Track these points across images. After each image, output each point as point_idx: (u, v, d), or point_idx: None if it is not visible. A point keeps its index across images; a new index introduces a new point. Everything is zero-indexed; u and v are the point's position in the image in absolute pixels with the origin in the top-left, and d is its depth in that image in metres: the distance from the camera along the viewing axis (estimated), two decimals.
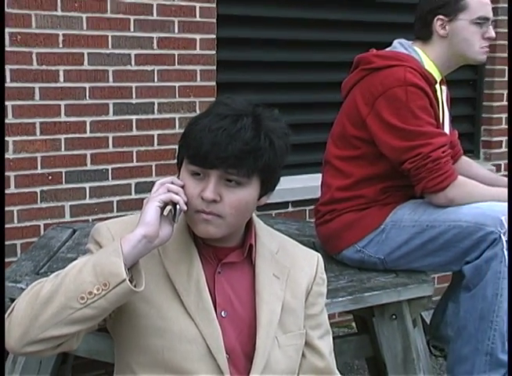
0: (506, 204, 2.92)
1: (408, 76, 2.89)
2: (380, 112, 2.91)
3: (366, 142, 2.98)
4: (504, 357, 2.92)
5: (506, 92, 5.06)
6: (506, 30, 4.96)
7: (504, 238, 2.84)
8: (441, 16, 3.05)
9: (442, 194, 2.91)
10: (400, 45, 3.11)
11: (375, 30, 4.54)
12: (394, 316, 2.89)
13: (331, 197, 3.08)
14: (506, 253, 2.84)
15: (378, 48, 3.13)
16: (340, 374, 2.05)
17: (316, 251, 2.12)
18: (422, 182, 2.90)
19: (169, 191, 1.73)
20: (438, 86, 3.08)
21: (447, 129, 3.17)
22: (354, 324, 3.79)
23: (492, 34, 3.09)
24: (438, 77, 3.08)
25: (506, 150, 5.13)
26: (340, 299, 2.73)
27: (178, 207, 1.75)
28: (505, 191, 3.07)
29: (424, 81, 2.94)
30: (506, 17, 4.95)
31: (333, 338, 2.09)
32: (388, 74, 2.93)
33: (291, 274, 1.94)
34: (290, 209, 4.28)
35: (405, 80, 2.89)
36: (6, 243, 3.45)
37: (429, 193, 2.93)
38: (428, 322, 3.51)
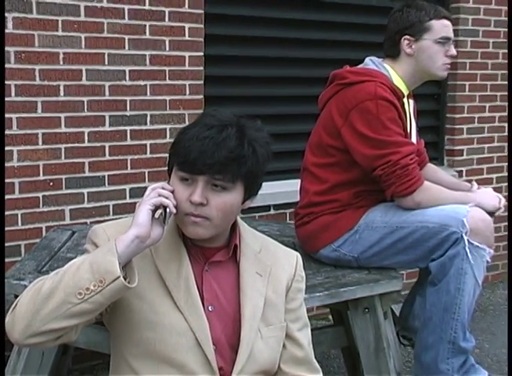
0: (467, 206, 2.93)
1: (378, 90, 2.90)
2: (354, 123, 2.90)
3: (341, 151, 2.98)
4: (464, 345, 2.96)
5: (467, 105, 5.08)
6: (467, 50, 5.00)
7: (466, 237, 2.85)
8: (407, 37, 3.06)
9: (410, 198, 2.92)
10: (371, 62, 3.12)
11: (348, 49, 4.54)
12: (366, 309, 2.89)
13: (309, 200, 3.08)
14: (468, 251, 2.86)
15: (351, 65, 3.13)
16: (318, 362, 2.04)
17: (296, 250, 2.12)
18: (392, 187, 2.90)
19: (160, 195, 1.73)
20: (405, 100, 3.08)
21: (414, 139, 3.17)
22: (330, 317, 3.79)
23: (454, 51, 3.11)
24: (405, 91, 3.09)
25: (467, 157, 5.15)
26: (318, 294, 2.73)
27: (168, 210, 1.74)
28: (467, 195, 3.10)
29: (393, 95, 2.95)
30: (465, 38, 4.99)
31: (312, 330, 2.08)
32: (360, 89, 2.93)
33: (273, 272, 1.93)
34: (272, 212, 4.27)
35: (375, 94, 2.89)
36: (11, 244, 3.45)
37: (398, 196, 2.93)
38: (398, 314, 3.51)
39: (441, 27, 3.06)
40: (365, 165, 2.92)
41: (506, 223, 5.45)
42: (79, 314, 1.65)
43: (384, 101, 2.89)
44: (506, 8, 5.17)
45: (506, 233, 5.46)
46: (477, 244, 2.87)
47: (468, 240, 2.86)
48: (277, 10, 4.31)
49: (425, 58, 3.07)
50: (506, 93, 5.29)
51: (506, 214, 5.39)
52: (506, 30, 5.21)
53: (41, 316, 1.63)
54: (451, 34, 3.10)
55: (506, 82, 5.29)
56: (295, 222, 3.20)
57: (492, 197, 3.11)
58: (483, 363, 3.86)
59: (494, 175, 5.34)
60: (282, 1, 4.31)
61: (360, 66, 3.15)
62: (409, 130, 3.10)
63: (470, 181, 3.49)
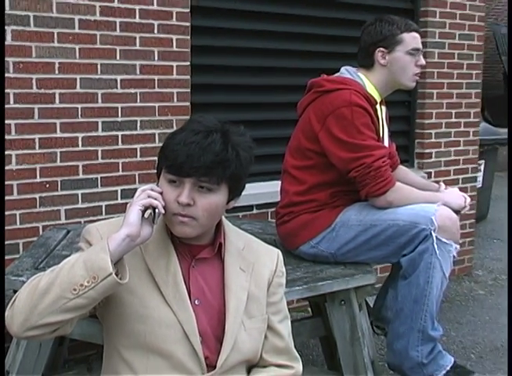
0: (435, 205, 2.95)
1: (353, 98, 2.90)
2: (330, 128, 2.91)
3: (318, 154, 2.98)
4: (433, 333, 2.98)
5: (435, 112, 5.10)
6: (434, 60, 5.03)
7: (434, 234, 2.86)
8: (381, 48, 3.07)
9: (383, 197, 2.92)
10: (346, 72, 3.13)
11: (324, 59, 4.54)
12: (343, 302, 2.89)
13: (289, 200, 3.08)
14: (436, 247, 2.87)
15: (328, 74, 3.14)
16: (298, 351, 2.04)
17: (277, 247, 2.12)
18: (366, 188, 2.90)
19: (149, 197, 1.73)
20: (378, 106, 3.09)
21: (386, 143, 3.18)
22: (309, 309, 3.78)
23: (423, 61, 3.13)
24: (378, 98, 3.09)
25: (436, 159, 5.17)
26: (298, 288, 2.73)
27: (157, 210, 1.75)
28: (435, 194, 3.12)
29: (367, 102, 2.96)
30: (433, 49, 5.02)
31: (292, 321, 2.08)
32: (337, 96, 2.94)
33: (255, 268, 1.93)
34: (255, 211, 4.26)
35: (350, 101, 2.89)
36: (10, 242, 3.42)
37: (372, 196, 2.94)
38: (372, 306, 3.51)
39: (412, 39, 3.08)
40: (340, 168, 2.92)
41: (473, 221, 5.48)
42: (74, 308, 1.64)
43: (359, 107, 2.90)
44: (468, 22, 5.21)
45: (472, 229, 5.50)
46: (445, 241, 2.89)
47: (436, 237, 2.87)
48: (259, 23, 4.31)
49: (397, 68, 3.08)
50: (471, 100, 5.33)
51: (474, 212, 5.44)
52: (470, 42, 5.25)
53: (38, 311, 1.63)
54: (420, 45, 3.12)
55: (471, 90, 5.32)
56: (276, 220, 3.19)
57: (458, 197, 3.12)
58: (450, 349, 3.89)
59: (460, 176, 5.37)
60: (262, 14, 4.30)
61: (336, 75, 3.15)
62: (381, 134, 3.10)
63: (438, 182, 3.50)
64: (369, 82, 3.09)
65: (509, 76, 4.92)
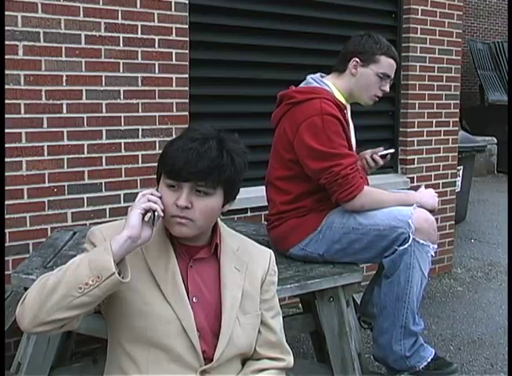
0: (411, 208, 2.92)
1: (323, 106, 2.87)
2: (302, 136, 2.87)
3: (297, 164, 2.94)
4: (414, 328, 2.98)
5: (417, 121, 5.11)
6: (416, 73, 5.04)
7: (412, 236, 2.85)
8: (357, 59, 3.05)
9: (352, 203, 2.89)
10: (312, 80, 3.10)
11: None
12: (331, 299, 2.88)
13: (277, 210, 3.05)
14: (414, 248, 2.86)
15: (295, 85, 3.12)
16: (289, 345, 2.03)
17: (269, 248, 2.10)
18: (335, 194, 2.88)
19: (149, 201, 1.72)
20: (347, 110, 3.07)
21: (354, 142, 3.12)
22: (300, 305, 3.77)
23: (387, 89, 3.10)
24: (345, 103, 3.07)
25: (418, 165, 5.17)
26: (289, 286, 2.72)
27: (156, 213, 1.74)
28: (407, 195, 3.08)
29: (337, 108, 2.92)
30: (415, 63, 5.02)
31: (284, 317, 2.08)
32: (308, 106, 2.90)
33: (249, 267, 1.93)
34: (249, 214, 4.25)
35: (321, 110, 2.86)
36: (21, 243, 3.42)
37: (341, 202, 2.91)
38: (359, 302, 3.51)
39: (387, 64, 3.05)
40: (312, 176, 2.90)
41: (452, 222, 5.48)
42: (80, 306, 1.64)
43: (329, 116, 2.86)
44: (447, 38, 5.23)
45: (452, 230, 5.49)
46: (423, 242, 2.88)
47: (414, 239, 2.86)
48: (251, 38, 4.31)
49: (363, 83, 3.06)
50: (450, 110, 5.34)
51: (453, 214, 5.44)
52: (448, 56, 5.26)
53: (47, 308, 1.63)
54: (391, 73, 3.08)
55: (450, 101, 5.33)
56: (267, 225, 3.16)
57: (430, 197, 3.08)
58: (430, 342, 3.89)
59: (440, 181, 5.36)
60: (253, 29, 4.32)
61: (303, 84, 3.12)
62: (350, 134, 3.07)
63: (419, 186, 3.48)
64: (336, 88, 3.07)
65: (509, 76, 4.89)
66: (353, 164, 2.88)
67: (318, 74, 3.15)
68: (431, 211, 2.99)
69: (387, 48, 3.05)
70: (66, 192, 3.53)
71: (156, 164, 1.83)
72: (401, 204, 2.96)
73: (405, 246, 2.87)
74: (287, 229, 3.01)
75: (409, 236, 2.86)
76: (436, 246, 2.96)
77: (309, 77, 3.13)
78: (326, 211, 3.00)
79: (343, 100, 3.05)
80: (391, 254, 2.92)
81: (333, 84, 3.07)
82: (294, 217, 3.00)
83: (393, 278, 2.94)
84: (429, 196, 3.08)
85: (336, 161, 2.84)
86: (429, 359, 3.01)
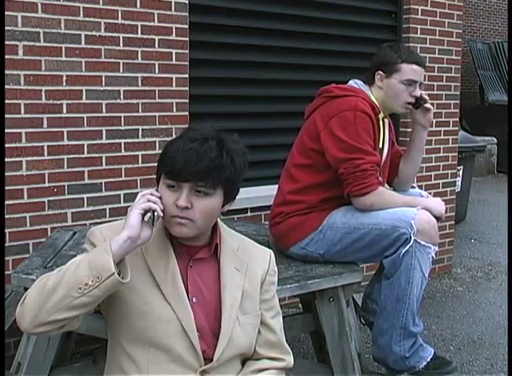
0: (414, 209, 2.92)
1: (359, 104, 2.91)
2: (332, 127, 2.91)
3: (318, 154, 2.97)
4: (414, 329, 2.98)
5: None
6: None
7: (413, 237, 2.85)
8: (380, 72, 3.08)
9: (363, 199, 2.91)
10: (354, 83, 3.14)
11: (311, 71, 4.55)
12: (331, 299, 2.88)
13: (283, 199, 3.07)
14: (415, 249, 2.86)
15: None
16: (289, 345, 2.03)
17: (269, 248, 2.11)
18: (349, 187, 2.90)
19: (149, 201, 1.72)
20: (381, 116, 3.08)
21: (385, 152, 3.14)
22: (300, 305, 3.77)
23: (417, 93, 3.10)
24: (382, 114, 3.09)
25: None
26: (289, 286, 2.72)
27: (156, 213, 1.73)
28: (415, 199, 3.08)
29: (371, 109, 2.96)
30: None
31: (284, 317, 2.07)
32: (343, 101, 2.95)
33: (249, 267, 1.92)
34: (249, 214, 4.25)
35: (356, 106, 2.90)
36: (21, 243, 3.41)
37: (352, 196, 2.93)
38: (358, 302, 3.51)
39: (409, 70, 3.05)
40: (333, 163, 2.92)
41: (452, 222, 5.48)
42: (79, 306, 1.63)
43: (363, 113, 2.90)
44: (447, 38, 5.22)
45: (452, 231, 5.49)
46: (424, 243, 2.88)
47: (416, 240, 2.86)
48: (251, 38, 4.31)
49: (391, 94, 3.08)
50: (450, 110, 5.33)
51: (453, 214, 5.44)
52: (448, 57, 5.26)
53: (47, 308, 1.62)
54: (417, 78, 3.07)
55: (450, 101, 5.32)
56: (269, 220, 3.17)
57: (438, 204, 3.08)
58: (430, 342, 3.89)
59: (440, 181, 5.36)
60: (253, 29, 4.32)
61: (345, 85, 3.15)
62: (381, 145, 3.08)
63: (420, 186, 3.48)
64: (373, 96, 3.10)
65: (509, 76, 4.88)
66: (375, 163, 2.91)
67: (360, 81, 3.17)
68: (438, 219, 3.00)
69: (407, 54, 3.07)
70: (66, 192, 3.53)
71: (156, 164, 1.83)
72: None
73: (407, 247, 2.87)
74: (288, 227, 3.02)
75: (411, 237, 2.86)
76: (437, 248, 2.97)
77: (351, 81, 3.17)
78: (328, 210, 3.01)
79: (379, 106, 3.08)
80: (392, 255, 2.92)
81: (370, 92, 3.11)
82: (295, 215, 3.01)
83: (393, 279, 2.93)
84: (437, 203, 3.09)
85: (359, 155, 2.87)
86: (428, 359, 3.01)
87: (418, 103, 3.13)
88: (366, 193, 2.89)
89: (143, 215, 1.71)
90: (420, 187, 3.38)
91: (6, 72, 3.28)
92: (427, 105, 3.17)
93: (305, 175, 3.01)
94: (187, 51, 3.90)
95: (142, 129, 3.76)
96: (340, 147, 2.88)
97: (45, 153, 3.44)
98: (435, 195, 5.13)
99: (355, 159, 2.86)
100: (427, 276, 2.96)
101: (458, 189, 6.48)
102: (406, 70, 3.05)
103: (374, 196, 2.91)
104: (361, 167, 2.86)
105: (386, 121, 3.15)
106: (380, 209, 2.93)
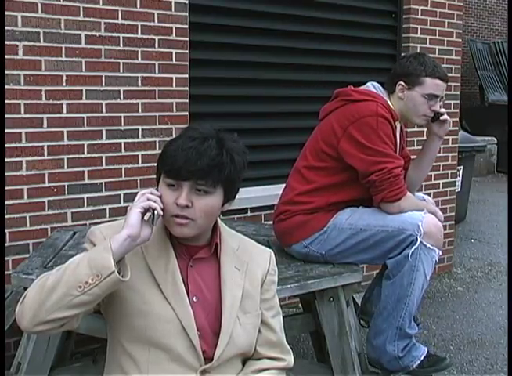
0: (422, 212, 2.92)
1: (379, 109, 2.88)
2: (353, 134, 2.87)
3: (333, 158, 2.95)
4: (409, 331, 2.99)
5: None
6: None
7: (420, 239, 2.85)
8: (402, 83, 3.05)
9: (397, 204, 2.91)
10: (372, 86, 3.11)
11: (315, 72, 4.55)
12: (331, 299, 2.88)
13: (291, 198, 3.04)
14: (420, 252, 2.86)
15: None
16: (289, 345, 2.03)
17: (270, 248, 2.10)
18: (383, 193, 2.88)
19: (148, 200, 1.72)
20: (398, 124, 3.07)
21: None
22: (300, 305, 3.77)
23: (437, 108, 3.07)
24: (398, 121, 3.08)
25: None
26: (289, 286, 2.71)
27: (156, 212, 1.73)
28: (427, 203, 3.10)
29: (390, 115, 2.93)
30: None
31: (284, 317, 2.07)
32: (363, 106, 2.92)
33: (249, 267, 1.92)
34: (249, 214, 4.24)
35: (377, 112, 2.87)
36: (21, 242, 3.42)
37: (387, 201, 2.91)
38: (358, 302, 3.51)
39: (433, 85, 3.02)
40: (361, 169, 2.88)
41: (452, 222, 5.48)
42: (79, 305, 1.63)
43: (384, 119, 2.88)
44: (447, 38, 5.23)
45: (452, 230, 5.50)
46: (430, 246, 2.88)
47: (422, 242, 2.86)
48: (251, 38, 4.32)
49: (411, 105, 3.05)
50: (450, 110, 5.31)
51: (453, 214, 5.44)
52: (448, 56, 5.26)
53: (46, 307, 1.62)
54: (439, 93, 3.04)
55: (450, 101, 5.32)
56: (274, 217, 3.15)
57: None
58: (430, 342, 3.91)
59: (440, 181, 5.37)
60: (254, 29, 4.32)
61: (362, 87, 3.13)
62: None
63: (420, 186, 3.48)
64: (390, 103, 3.08)
65: (509, 76, 4.87)
66: (401, 167, 2.92)
67: (378, 84, 3.15)
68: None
69: (432, 68, 3.03)
70: (66, 192, 3.53)
71: (156, 164, 1.83)
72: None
73: (413, 249, 2.87)
74: (293, 224, 3.01)
75: (417, 239, 2.85)
76: (441, 252, 2.97)
77: (369, 83, 3.14)
78: (334, 211, 3.00)
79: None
80: (397, 256, 2.92)
81: (388, 98, 3.09)
82: (300, 214, 3.00)
83: (396, 279, 2.93)
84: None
85: (388, 158, 2.86)
86: (422, 358, 3.02)
87: (436, 116, 3.11)
88: (400, 198, 2.90)
89: (143, 214, 1.71)
90: (420, 187, 3.38)
91: (6, 72, 3.29)
92: (444, 117, 3.15)
93: (318, 177, 2.99)
94: (187, 51, 3.90)
95: (142, 129, 3.76)
96: (366, 152, 2.85)
97: (45, 153, 3.44)
98: (435, 195, 5.18)
99: (386, 162, 2.84)
100: (428, 278, 2.96)
101: (458, 189, 6.49)
102: (429, 85, 3.02)
103: (405, 200, 2.92)
104: (393, 172, 2.85)
105: (398, 124, 3.14)
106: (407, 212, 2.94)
